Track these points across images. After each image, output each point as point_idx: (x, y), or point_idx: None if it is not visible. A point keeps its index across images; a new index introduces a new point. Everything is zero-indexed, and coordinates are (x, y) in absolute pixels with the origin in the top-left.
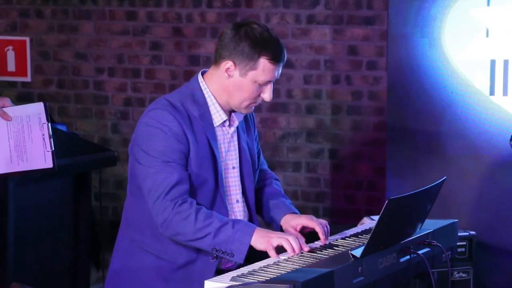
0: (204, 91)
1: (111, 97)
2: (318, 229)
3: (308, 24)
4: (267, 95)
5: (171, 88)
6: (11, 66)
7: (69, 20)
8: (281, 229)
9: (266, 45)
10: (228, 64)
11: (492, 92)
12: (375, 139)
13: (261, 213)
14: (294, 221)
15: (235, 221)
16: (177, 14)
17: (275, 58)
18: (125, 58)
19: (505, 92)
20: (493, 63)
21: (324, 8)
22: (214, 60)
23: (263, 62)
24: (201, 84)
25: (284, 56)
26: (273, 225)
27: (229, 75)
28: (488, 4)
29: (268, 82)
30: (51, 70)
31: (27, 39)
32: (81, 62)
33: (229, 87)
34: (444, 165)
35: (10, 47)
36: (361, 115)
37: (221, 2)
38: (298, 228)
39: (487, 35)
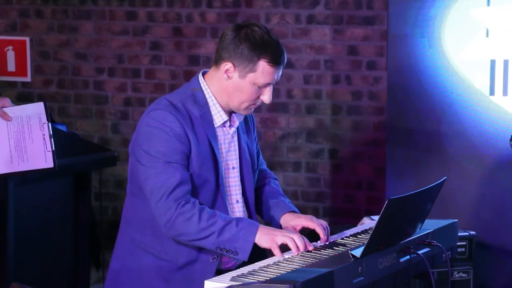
0: (205, 92)
1: (111, 97)
2: (319, 230)
3: (308, 24)
4: (266, 97)
5: (171, 88)
6: (11, 66)
7: (69, 20)
8: (280, 228)
9: (266, 47)
10: (228, 65)
11: (492, 92)
12: (375, 139)
13: (260, 212)
14: (294, 221)
15: (239, 220)
16: (177, 14)
17: (274, 61)
18: (125, 58)
19: (505, 92)
20: (493, 63)
21: (324, 8)
22: (215, 61)
23: (263, 65)
24: (201, 85)
25: (284, 59)
26: (273, 224)
27: (228, 77)
28: (488, 4)
29: (268, 84)
30: (51, 70)
31: (27, 39)
32: (81, 62)
33: (229, 88)
34: (444, 165)
35: (10, 47)
36: (361, 115)
37: (221, 2)
38: (298, 228)
39: (487, 35)
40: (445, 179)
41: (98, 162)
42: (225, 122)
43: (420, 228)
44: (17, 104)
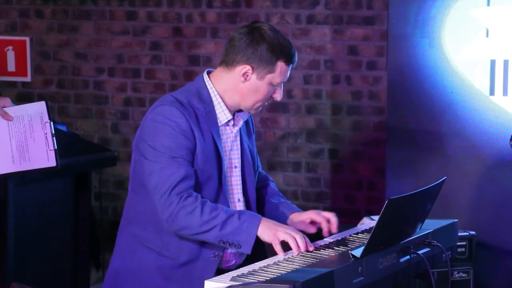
0: (210, 90)
1: (111, 97)
2: (324, 226)
3: (308, 24)
4: (278, 95)
5: (171, 88)
6: (11, 66)
7: (69, 20)
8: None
9: (283, 48)
10: (246, 68)
11: (492, 92)
12: (375, 139)
13: (262, 213)
14: (302, 216)
15: (241, 212)
16: (177, 14)
17: (290, 60)
18: (125, 58)
19: (505, 92)
20: (493, 63)
21: (324, 8)
22: (225, 63)
23: (280, 65)
24: (207, 83)
25: (296, 56)
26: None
27: (245, 79)
28: (488, 4)
29: (281, 82)
30: (51, 70)
31: (27, 39)
32: (81, 62)
33: (243, 90)
34: (444, 165)
35: (10, 47)
36: (361, 115)
37: (221, 2)
38: (308, 221)
39: (487, 35)
40: (445, 179)
41: (98, 162)
42: (229, 121)
43: (420, 228)
44: (17, 104)
